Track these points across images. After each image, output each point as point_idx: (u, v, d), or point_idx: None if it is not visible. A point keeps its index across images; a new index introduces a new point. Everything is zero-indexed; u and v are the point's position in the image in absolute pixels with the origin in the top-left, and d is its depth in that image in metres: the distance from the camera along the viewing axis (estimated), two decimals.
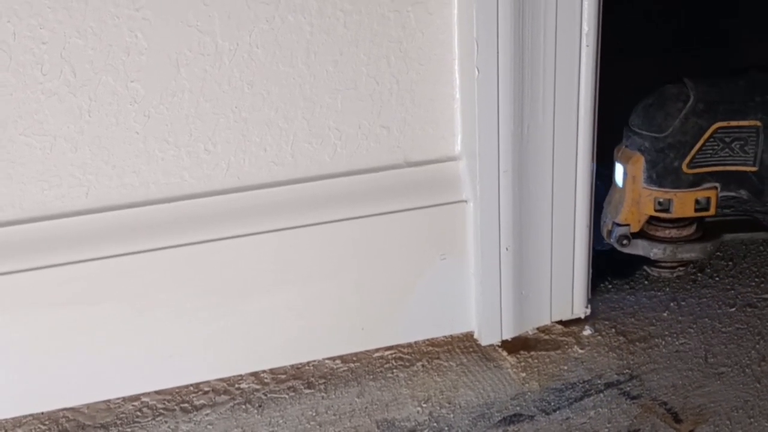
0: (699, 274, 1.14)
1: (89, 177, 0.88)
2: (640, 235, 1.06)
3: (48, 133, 0.85)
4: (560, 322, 1.05)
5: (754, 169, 0.98)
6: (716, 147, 0.96)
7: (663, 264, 1.09)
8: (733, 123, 0.94)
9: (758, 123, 0.95)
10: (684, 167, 0.97)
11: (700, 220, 1.05)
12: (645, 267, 1.14)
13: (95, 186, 0.88)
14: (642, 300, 1.10)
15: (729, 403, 0.92)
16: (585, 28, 0.89)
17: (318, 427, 0.93)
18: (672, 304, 1.08)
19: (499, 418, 0.92)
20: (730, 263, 1.16)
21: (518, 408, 0.93)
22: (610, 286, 1.12)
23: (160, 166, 0.89)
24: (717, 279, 1.13)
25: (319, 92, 0.90)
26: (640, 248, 1.07)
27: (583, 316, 1.05)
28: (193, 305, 0.94)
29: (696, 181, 0.99)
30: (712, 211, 1.00)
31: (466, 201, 0.96)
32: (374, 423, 0.93)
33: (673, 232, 1.02)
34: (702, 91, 0.95)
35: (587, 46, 0.90)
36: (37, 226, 0.88)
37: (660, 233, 1.04)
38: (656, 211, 1.00)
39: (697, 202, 1.00)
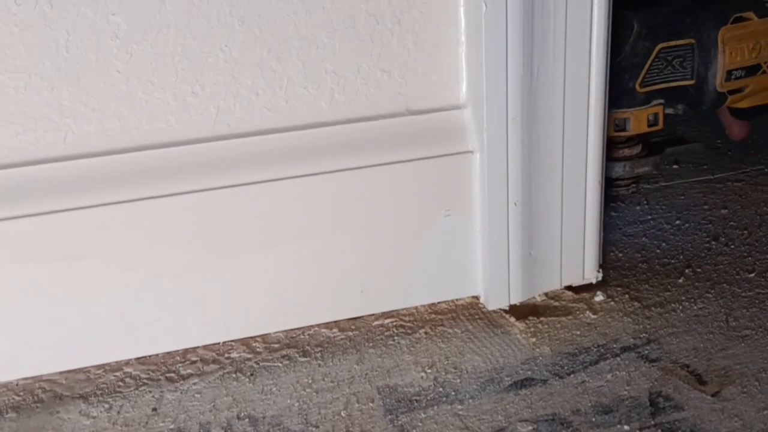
0: (713, 242, 1.08)
1: (67, 120, 0.81)
2: None
3: (22, 70, 0.79)
4: (570, 288, 0.99)
5: (692, 82, 1.08)
6: (661, 66, 1.06)
7: (620, 182, 1.16)
8: (673, 43, 1.05)
9: (692, 41, 1.06)
10: (637, 87, 1.05)
11: (645, 140, 1.13)
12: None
13: (73, 130, 0.82)
14: (656, 267, 1.04)
15: (756, 364, 0.86)
16: None
17: (315, 394, 0.86)
18: (687, 270, 1.03)
19: (510, 383, 0.86)
20: (746, 232, 1.10)
21: (529, 372, 0.87)
22: (620, 255, 1.06)
23: (143, 109, 0.83)
24: (733, 247, 1.07)
25: (316, 31, 0.84)
26: None
27: (594, 281, 0.99)
28: (179, 263, 0.87)
29: (647, 99, 1.08)
30: (660, 125, 1.09)
31: (472, 152, 0.90)
32: (375, 389, 0.86)
33: (626, 152, 1.11)
34: (642, 19, 1.04)
35: None
36: (9, 173, 0.81)
37: (616, 153, 1.11)
38: (615, 131, 1.08)
39: (648, 119, 1.08)
